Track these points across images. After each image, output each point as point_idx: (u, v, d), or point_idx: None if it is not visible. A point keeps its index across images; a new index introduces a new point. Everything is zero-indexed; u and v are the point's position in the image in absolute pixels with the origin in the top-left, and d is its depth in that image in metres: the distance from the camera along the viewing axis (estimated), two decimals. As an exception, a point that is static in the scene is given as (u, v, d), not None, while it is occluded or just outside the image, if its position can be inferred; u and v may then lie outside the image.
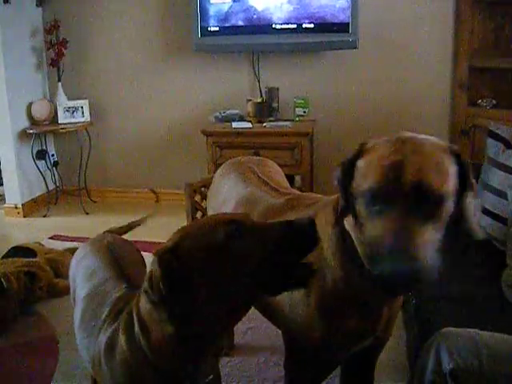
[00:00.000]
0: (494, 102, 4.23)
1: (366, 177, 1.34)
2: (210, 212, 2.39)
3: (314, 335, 1.62)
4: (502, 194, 2.44)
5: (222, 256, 1.26)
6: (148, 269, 1.33)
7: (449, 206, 1.29)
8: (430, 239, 1.25)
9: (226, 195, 2.16)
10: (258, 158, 2.65)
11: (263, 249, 1.27)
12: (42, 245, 4.07)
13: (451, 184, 1.30)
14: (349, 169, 1.42)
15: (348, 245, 1.49)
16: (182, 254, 1.28)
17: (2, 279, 3.15)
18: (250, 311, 1.38)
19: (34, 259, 3.59)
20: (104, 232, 2.31)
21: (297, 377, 1.81)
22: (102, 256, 1.94)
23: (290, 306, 1.68)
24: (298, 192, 2.06)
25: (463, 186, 1.34)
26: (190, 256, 1.27)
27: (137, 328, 1.39)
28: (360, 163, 1.39)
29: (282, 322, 1.79)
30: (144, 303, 1.37)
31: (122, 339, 1.45)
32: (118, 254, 1.96)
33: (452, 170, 1.32)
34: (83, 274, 1.94)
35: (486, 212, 2.56)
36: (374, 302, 1.55)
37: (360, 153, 1.41)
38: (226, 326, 1.44)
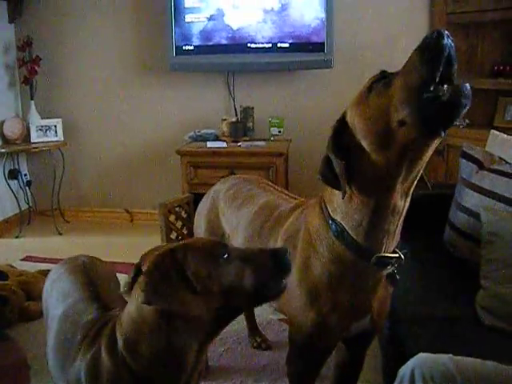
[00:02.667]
0: (467, 121, 4.25)
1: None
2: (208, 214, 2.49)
3: (309, 319, 1.71)
4: (475, 215, 2.43)
5: (216, 273, 1.37)
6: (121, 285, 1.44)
7: None
8: None
9: (245, 200, 2.26)
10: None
11: (247, 269, 1.39)
12: (14, 267, 3.99)
13: None
14: (341, 127, 1.52)
15: (334, 227, 1.60)
16: (184, 266, 1.36)
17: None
18: (225, 334, 1.43)
19: (4, 282, 3.52)
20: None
21: (297, 365, 1.89)
22: (77, 276, 1.92)
23: (286, 293, 1.74)
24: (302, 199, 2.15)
25: None
26: (189, 264, 1.36)
27: (121, 347, 1.43)
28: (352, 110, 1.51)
29: (283, 309, 1.94)
30: (130, 317, 1.42)
31: (106, 360, 1.46)
32: (92, 275, 1.94)
33: None
34: (57, 295, 1.91)
35: (459, 232, 2.56)
36: (365, 275, 1.63)
37: (343, 115, 1.54)
38: (212, 336, 1.48)
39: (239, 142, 4.58)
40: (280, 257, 1.41)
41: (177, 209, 3.50)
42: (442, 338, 1.92)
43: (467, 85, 1.29)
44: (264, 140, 4.65)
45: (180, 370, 1.43)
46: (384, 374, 2.29)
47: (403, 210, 1.53)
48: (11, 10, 5.25)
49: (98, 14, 5.16)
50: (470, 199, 2.52)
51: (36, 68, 5.12)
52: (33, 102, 5.22)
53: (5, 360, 3.03)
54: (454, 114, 1.31)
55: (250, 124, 4.78)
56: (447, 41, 1.27)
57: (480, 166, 2.58)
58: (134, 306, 1.41)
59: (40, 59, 5.14)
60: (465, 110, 1.31)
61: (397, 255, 1.60)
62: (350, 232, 1.56)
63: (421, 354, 1.55)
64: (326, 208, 1.64)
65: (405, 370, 1.54)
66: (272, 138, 4.70)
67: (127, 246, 4.60)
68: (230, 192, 2.38)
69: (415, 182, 1.50)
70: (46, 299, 2.02)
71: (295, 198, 2.13)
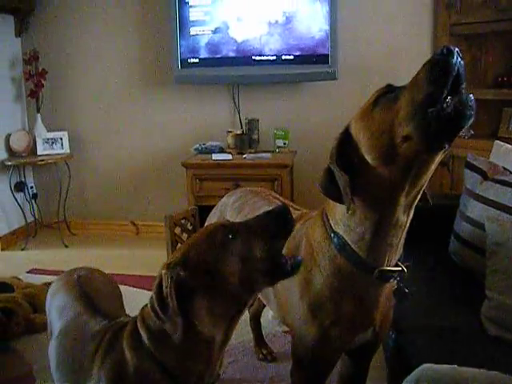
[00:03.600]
0: (472, 132, 4.25)
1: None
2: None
3: (312, 332, 1.70)
4: (479, 226, 2.43)
5: (227, 255, 1.41)
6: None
7: None
8: None
9: (251, 212, 2.25)
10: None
11: (257, 239, 1.43)
12: (20, 279, 3.99)
13: None
14: (345, 140, 1.52)
15: (336, 241, 1.60)
16: (189, 263, 1.41)
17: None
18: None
19: (10, 294, 3.52)
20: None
21: (301, 378, 1.87)
22: (72, 291, 1.93)
23: (289, 306, 1.82)
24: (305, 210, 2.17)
25: None
26: (197, 262, 1.42)
27: (146, 340, 1.48)
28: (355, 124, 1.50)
29: (286, 321, 1.95)
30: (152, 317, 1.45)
31: (131, 357, 1.50)
32: (88, 288, 1.94)
33: None
34: (55, 312, 1.92)
35: (464, 243, 2.56)
36: (367, 288, 1.62)
37: (347, 128, 1.53)
38: (233, 323, 1.52)
39: (244, 154, 4.59)
40: (279, 214, 1.47)
41: (182, 221, 3.51)
42: (446, 349, 1.92)
43: (471, 95, 1.29)
44: (269, 152, 4.66)
45: (207, 359, 1.49)
46: (389, 386, 2.29)
47: (406, 223, 1.53)
48: (18, 23, 5.30)
49: (104, 27, 5.20)
50: (475, 210, 2.52)
51: (42, 81, 5.16)
52: (39, 114, 5.25)
53: (10, 372, 3.03)
54: (458, 125, 1.31)
55: (255, 136, 4.79)
56: (456, 59, 1.27)
57: (484, 176, 2.58)
58: None
59: (46, 72, 5.17)
60: (470, 122, 1.31)
61: (399, 269, 1.59)
62: (352, 245, 1.56)
63: (425, 365, 1.55)
64: (328, 221, 1.64)
65: (409, 381, 1.54)
66: (277, 150, 4.72)
67: (133, 259, 4.62)
68: (236, 204, 2.39)
69: (419, 196, 1.50)
70: (48, 312, 2.03)
71: (298, 210, 2.13)
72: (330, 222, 1.63)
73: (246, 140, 4.73)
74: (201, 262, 1.41)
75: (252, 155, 4.53)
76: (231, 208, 2.41)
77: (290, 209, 2.02)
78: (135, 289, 3.77)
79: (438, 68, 1.28)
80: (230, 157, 4.54)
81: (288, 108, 4.91)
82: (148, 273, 3.80)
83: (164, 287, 1.39)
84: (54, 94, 5.38)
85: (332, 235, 1.61)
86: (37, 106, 5.24)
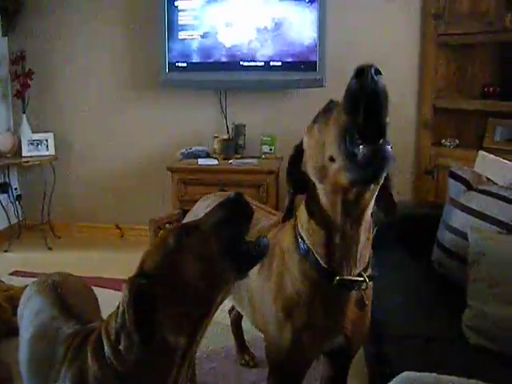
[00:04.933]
0: (457, 141, 4.29)
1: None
2: None
3: (284, 336, 1.71)
4: (462, 235, 2.44)
5: (183, 256, 1.36)
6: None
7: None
8: None
9: None
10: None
11: (212, 233, 1.39)
12: (2, 281, 3.96)
13: None
14: (298, 152, 1.57)
15: (302, 246, 1.61)
16: (148, 273, 1.37)
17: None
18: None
19: (-9, 296, 3.49)
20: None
21: (276, 382, 1.87)
22: (47, 296, 1.91)
23: (262, 310, 1.83)
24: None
25: None
26: (155, 270, 1.37)
27: (108, 352, 1.42)
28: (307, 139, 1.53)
29: (260, 326, 1.95)
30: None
31: (93, 367, 1.46)
32: (63, 292, 1.92)
33: None
34: (28, 316, 1.90)
35: (446, 251, 2.57)
36: (331, 295, 1.62)
37: (300, 143, 1.58)
38: (202, 328, 1.46)
39: (230, 159, 4.60)
40: (232, 202, 1.43)
41: (167, 225, 3.51)
42: (427, 357, 1.93)
43: (387, 147, 1.27)
44: (255, 158, 4.67)
45: (166, 372, 1.44)
46: (370, 392, 2.29)
47: (359, 237, 1.52)
48: (5, 23, 5.27)
49: (92, 28, 5.19)
50: (458, 219, 2.54)
51: (28, 82, 5.13)
52: (25, 115, 5.22)
53: (-11, 374, 3.01)
54: (370, 173, 1.29)
55: (242, 142, 4.80)
56: (368, 80, 1.25)
57: (468, 186, 2.60)
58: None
59: (33, 73, 5.15)
60: (384, 171, 1.29)
61: (361, 279, 1.58)
62: (314, 252, 1.58)
63: (405, 373, 1.55)
64: (297, 225, 1.65)
65: (390, 388, 1.54)
66: (263, 156, 4.72)
67: (117, 262, 4.59)
68: (209, 208, 2.39)
69: (365, 213, 1.48)
70: (19, 320, 2.01)
71: (275, 215, 2.13)
72: (298, 226, 1.64)
73: (232, 145, 4.74)
74: (158, 268, 1.37)
75: (238, 161, 4.54)
76: (203, 212, 2.40)
77: (267, 214, 2.01)
78: (119, 292, 3.72)
79: (350, 94, 1.28)
80: (215, 162, 4.55)
81: (275, 114, 4.91)
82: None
83: (121, 303, 1.35)
84: (41, 94, 5.36)
85: (299, 240, 1.62)
86: (22, 107, 5.21)
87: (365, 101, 1.25)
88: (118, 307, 1.37)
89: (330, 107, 1.45)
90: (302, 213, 1.62)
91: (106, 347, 1.44)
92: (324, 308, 1.64)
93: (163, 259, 1.38)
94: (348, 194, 1.40)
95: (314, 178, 1.47)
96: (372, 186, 1.37)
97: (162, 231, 3.40)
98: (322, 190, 1.46)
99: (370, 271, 1.62)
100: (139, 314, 1.32)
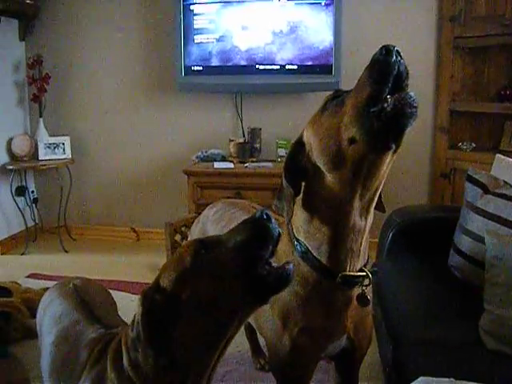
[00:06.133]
0: (473, 145, 4.26)
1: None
2: None
3: (283, 342, 1.69)
4: (479, 239, 2.43)
5: (199, 274, 1.31)
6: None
7: None
8: None
9: (228, 222, 2.22)
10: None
11: (232, 253, 1.31)
12: (19, 284, 3.98)
13: None
14: (298, 149, 1.54)
15: (298, 248, 1.59)
16: (163, 288, 1.33)
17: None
18: (228, 355, 1.38)
19: (9, 299, 3.51)
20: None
21: None
22: (69, 300, 1.91)
23: (262, 317, 1.79)
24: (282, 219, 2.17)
25: None
26: (169, 286, 1.32)
27: (126, 363, 1.39)
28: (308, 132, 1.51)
29: (261, 333, 1.90)
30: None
31: (112, 376, 1.44)
32: (85, 297, 1.93)
33: None
34: (50, 320, 1.90)
35: (463, 256, 2.55)
36: (333, 295, 1.60)
37: (300, 137, 1.55)
38: (219, 351, 1.41)
39: (246, 162, 4.60)
40: (256, 221, 1.34)
41: (183, 228, 3.52)
42: (444, 362, 1.91)
43: (412, 93, 1.28)
44: (271, 161, 4.67)
45: None
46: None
47: (365, 228, 1.52)
48: (22, 27, 5.31)
49: (108, 33, 5.22)
50: (475, 223, 2.52)
51: (45, 86, 5.17)
52: (41, 119, 5.26)
53: (7, 378, 3.01)
54: (399, 124, 1.29)
55: (258, 145, 4.80)
56: (396, 58, 1.27)
57: (485, 189, 2.58)
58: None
59: (49, 77, 5.19)
60: (412, 120, 1.29)
61: (363, 274, 1.57)
62: (313, 252, 1.55)
63: (422, 378, 1.55)
64: (292, 228, 1.63)
65: (406, 393, 1.54)
66: (279, 160, 4.71)
67: (133, 265, 4.61)
68: (216, 216, 2.39)
69: (375, 200, 1.49)
70: (39, 326, 2.01)
71: (276, 219, 2.11)
72: (293, 229, 1.62)
73: (248, 149, 4.74)
74: (173, 284, 1.32)
75: (254, 164, 4.54)
76: (211, 220, 2.41)
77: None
78: (135, 296, 3.75)
79: (377, 68, 1.29)
80: (231, 165, 4.55)
81: (291, 118, 4.90)
82: (148, 280, 3.78)
83: (136, 316, 1.33)
84: (57, 98, 5.39)
85: (295, 242, 1.60)
86: (39, 111, 5.25)
87: (391, 76, 1.27)
88: (135, 317, 1.35)
89: (338, 94, 1.44)
90: (296, 215, 1.59)
91: (124, 358, 1.41)
92: (324, 309, 1.62)
93: (178, 276, 1.33)
94: (367, 169, 1.38)
95: (325, 168, 1.44)
96: (393, 148, 1.34)
97: (177, 235, 3.42)
98: (333, 179, 1.43)
99: (369, 267, 1.61)
100: (152, 328, 1.30)
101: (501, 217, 2.41)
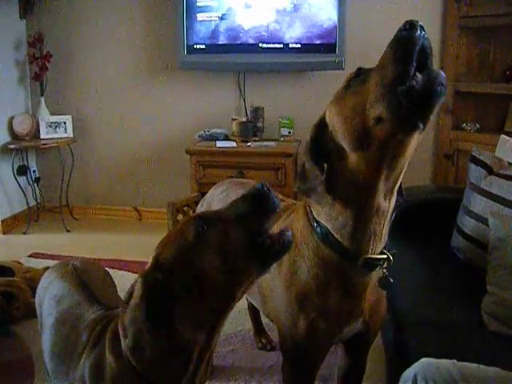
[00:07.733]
0: (477, 125, 4.24)
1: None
2: None
3: (299, 325, 1.67)
4: (483, 220, 2.42)
5: (202, 249, 1.30)
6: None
7: None
8: None
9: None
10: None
11: (233, 225, 1.32)
12: (21, 263, 3.99)
13: None
14: (320, 128, 1.51)
15: (319, 230, 1.57)
16: (164, 266, 1.31)
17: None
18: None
19: (11, 278, 3.52)
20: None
21: (292, 373, 1.84)
22: (69, 281, 1.90)
23: (274, 299, 1.80)
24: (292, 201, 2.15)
25: None
26: (172, 263, 1.31)
27: (124, 346, 1.37)
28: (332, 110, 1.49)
29: (271, 316, 1.91)
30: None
31: (110, 359, 1.44)
32: (85, 278, 1.92)
33: None
34: (50, 302, 1.89)
35: (466, 237, 2.54)
36: (352, 278, 1.58)
37: (322, 117, 1.53)
38: (219, 324, 1.41)
39: (249, 141, 4.58)
40: (256, 193, 1.35)
41: (185, 208, 3.49)
42: (446, 344, 1.91)
43: (441, 72, 1.26)
44: (274, 140, 4.65)
45: (184, 369, 1.39)
46: (387, 378, 2.29)
47: (388, 210, 1.50)
48: (23, 5, 5.26)
49: (110, 11, 5.18)
50: (479, 204, 2.50)
51: (47, 64, 5.14)
52: (43, 98, 5.23)
53: (10, 356, 3.03)
54: (429, 103, 1.27)
55: (260, 124, 4.78)
56: (420, 32, 1.26)
57: (489, 170, 2.56)
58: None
59: (51, 55, 5.15)
60: (441, 99, 1.26)
61: (385, 256, 1.56)
62: (334, 234, 1.53)
63: (424, 359, 1.54)
64: (311, 210, 1.61)
65: (407, 375, 1.53)
66: (282, 139, 4.70)
67: (135, 245, 4.61)
68: (222, 195, 2.39)
69: (399, 181, 1.47)
70: (39, 307, 2.01)
71: (284, 201, 2.08)
72: (313, 211, 1.60)
73: (251, 128, 4.72)
74: (175, 262, 1.31)
75: (256, 143, 4.52)
76: (217, 199, 2.40)
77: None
78: (136, 275, 3.73)
79: (402, 44, 1.27)
80: (234, 144, 4.53)
81: (294, 97, 4.88)
82: (149, 259, 3.74)
83: (134, 297, 1.31)
84: (59, 77, 5.36)
85: (315, 225, 1.58)
86: (41, 90, 5.22)
87: (417, 52, 1.26)
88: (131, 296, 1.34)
89: (360, 72, 1.42)
90: None
91: (122, 341, 1.39)
92: (343, 292, 1.60)
93: (180, 252, 1.31)
94: (393, 149, 1.35)
95: (350, 148, 1.40)
96: (421, 127, 1.31)
97: (179, 215, 3.40)
98: (358, 160, 1.40)
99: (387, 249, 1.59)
100: (153, 310, 1.28)
101: (505, 198, 2.39)
